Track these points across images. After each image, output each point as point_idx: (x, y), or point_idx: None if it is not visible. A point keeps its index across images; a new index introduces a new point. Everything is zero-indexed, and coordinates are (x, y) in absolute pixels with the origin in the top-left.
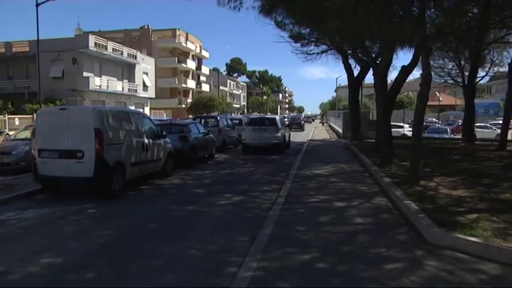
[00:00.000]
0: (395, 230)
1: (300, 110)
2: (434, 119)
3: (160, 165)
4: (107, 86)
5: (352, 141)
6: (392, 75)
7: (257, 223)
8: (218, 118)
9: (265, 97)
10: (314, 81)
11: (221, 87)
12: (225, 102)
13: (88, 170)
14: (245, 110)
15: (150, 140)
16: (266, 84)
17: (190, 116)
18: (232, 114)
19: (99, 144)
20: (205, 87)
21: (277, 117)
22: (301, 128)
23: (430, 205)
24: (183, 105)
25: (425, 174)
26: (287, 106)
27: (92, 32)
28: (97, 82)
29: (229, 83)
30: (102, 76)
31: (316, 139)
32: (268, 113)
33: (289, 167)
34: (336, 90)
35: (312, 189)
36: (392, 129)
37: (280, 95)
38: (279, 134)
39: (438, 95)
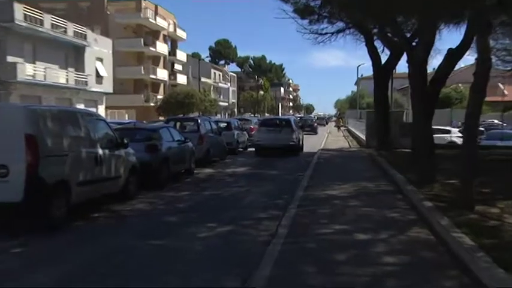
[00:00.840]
0: (441, 273)
1: (309, 109)
2: (495, 121)
3: (119, 185)
4: (44, 76)
5: (380, 151)
6: (434, 63)
7: (250, 262)
8: (199, 121)
9: (261, 92)
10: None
11: (203, 79)
12: (208, 99)
13: (14, 191)
14: (235, 110)
15: (106, 151)
16: (263, 75)
17: (162, 118)
18: (218, 116)
19: (32, 155)
20: (182, 79)
21: (292, 118)
22: (314, 131)
23: (490, 240)
24: (152, 104)
25: (483, 197)
26: (291, 104)
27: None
28: (29, 70)
29: (214, 73)
30: (37, 62)
31: (331, 148)
32: (266, 114)
33: (294, 186)
34: (356, 83)
35: (324, 217)
36: (436, 135)
37: (282, 90)
38: (294, 136)
39: (502, 87)
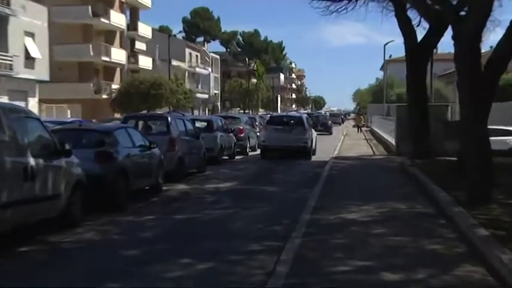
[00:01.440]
0: None
1: (318, 103)
2: None
3: (58, 206)
4: None
5: (415, 159)
6: (491, 39)
7: None
8: (169, 120)
9: (254, 80)
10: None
11: (175, 63)
12: (182, 89)
13: None
14: (218, 104)
15: (40, 161)
16: (256, 58)
17: (118, 116)
18: (196, 113)
19: None
20: (146, 62)
21: (304, 116)
22: (328, 130)
23: None
24: (105, 96)
25: None
26: (294, 96)
27: None
28: None
29: (190, 54)
30: None
31: (348, 155)
32: (261, 110)
33: (298, 207)
34: (383, 67)
35: (339, 249)
36: (494, 138)
37: (282, 77)
38: (307, 136)
39: None
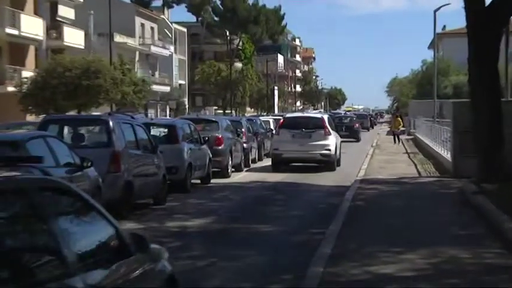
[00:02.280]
0: None
1: (335, 98)
2: None
3: None
4: None
5: (482, 183)
6: None
7: None
8: (111, 125)
9: (238, 65)
10: (370, 19)
11: (120, 38)
12: (130, 78)
13: None
14: (185, 100)
15: None
16: (242, 31)
17: (31, 119)
18: (151, 113)
19: None
20: (75, 38)
21: (326, 117)
22: (354, 135)
23: None
24: (11, 88)
25: None
26: (299, 89)
27: None
28: None
29: (142, 25)
30: None
31: (379, 178)
32: (249, 110)
33: (306, 254)
34: (432, 45)
35: None
36: None
37: (281, 59)
38: (330, 142)
39: None
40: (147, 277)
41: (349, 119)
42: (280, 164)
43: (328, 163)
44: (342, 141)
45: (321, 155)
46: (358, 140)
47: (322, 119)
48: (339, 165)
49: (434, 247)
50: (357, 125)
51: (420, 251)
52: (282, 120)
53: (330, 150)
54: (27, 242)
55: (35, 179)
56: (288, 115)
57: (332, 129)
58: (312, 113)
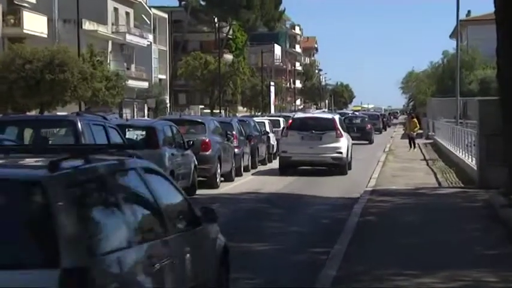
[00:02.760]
0: None
1: (340, 96)
2: None
3: None
4: None
5: None
6: None
7: None
8: (79, 126)
9: (228, 56)
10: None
11: (90, 25)
12: (101, 72)
13: None
14: (166, 98)
15: None
16: (232, 17)
17: None
18: (126, 114)
19: None
20: (36, 24)
21: (337, 118)
22: (366, 137)
23: None
24: None
25: None
26: (299, 85)
27: None
28: None
29: (116, 10)
30: None
31: (392, 188)
32: (241, 109)
33: (308, 277)
34: (455, 33)
35: None
36: None
37: (278, 50)
38: (341, 145)
39: None
40: (212, 242)
41: (360, 119)
42: (288, 167)
43: (340, 166)
44: (353, 144)
45: (332, 158)
46: (370, 142)
47: (333, 119)
48: (350, 168)
49: (456, 270)
50: (370, 126)
51: (439, 274)
52: (290, 121)
53: (341, 153)
54: (147, 204)
55: (142, 162)
56: (297, 115)
57: (343, 130)
58: (321, 113)
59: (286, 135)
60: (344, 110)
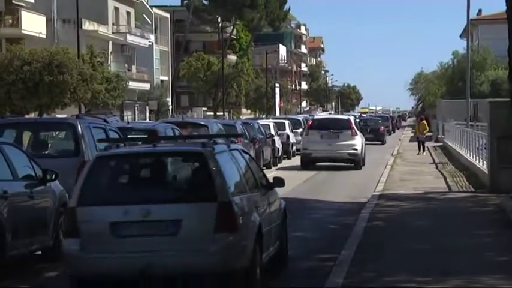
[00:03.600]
0: None
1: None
2: None
3: None
4: None
5: None
6: None
7: None
8: (79, 129)
9: (232, 57)
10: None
11: (90, 26)
12: (102, 73)
13: None
14: (169, 101)
15: None
16: (236, 16)
17: None
18: (127, 116)
19: None
20: (35, 25)
21: (352, 118)
22: (380, 139)
23: None
24: None
25: None
26: (305, 86)
27: None
28: None
29: (116, 10)
30: None
31: (400, 193)
32: (245, 111)
33: (314, 284)
34: (465, 33)
35: None
36: None
37: (283, 50)
38: (356, 142)
39: None
40: (279, 201)
41: (373, 122)
42: (309, 163)
43: (355, 162)
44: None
45: (348, 154)
46: (383, 143)
47: (349, 120)
48: (364, 164)
49: (468, 276)
50: (383, 128)
51: (451, 281)
52: (310, 122)
53: (356, 149)
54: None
55: (239, 146)
56: (316, 116)
57: (358, 129)
58: (338, 115)
59: (307, 134)
60: (351, 113)
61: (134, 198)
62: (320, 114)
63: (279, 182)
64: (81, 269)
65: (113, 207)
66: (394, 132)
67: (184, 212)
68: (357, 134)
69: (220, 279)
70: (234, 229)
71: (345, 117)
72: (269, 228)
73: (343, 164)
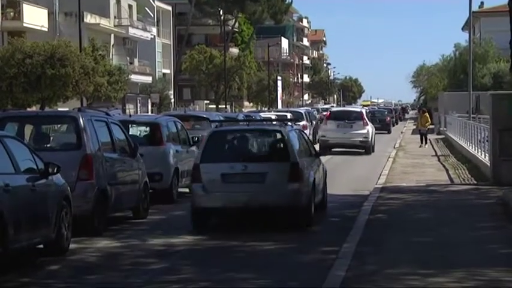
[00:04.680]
0: None
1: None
2: None
3: None
4: None
5: None
6: None
7: None
8: (81, 122)
9: (235, 50)
10: None
11: (91, 19)
12: (104, 67)
13: None
14: (171, 94)
15: None
16: (238, 10)
17: None
18: (129, 109)
19: None
20: (36, 18)
21: (364, 110)
22: (386, 128)
23: None
24: None
25: None
26: (307, 79)
27: None
28: None
29: (118, 3)
30: None
31: (402, 185)
32: (247, 104)
33: (316, 277)
34: (467, 26)
35: None
36: None
37: (285, 43)
38: (367, 131)
39: None
40: (323, 166)
41: (380, 113)
42: (326, 148)
43: (365, 148)
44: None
45: (360, 141)
46: (389, 132)
47: (361, 112)
48: (373, 150)
49: (471, 269)
50: (389, 118)
51: (453, 274)
52: (328, 113)
53: (367, 137)
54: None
55: (298, 127)
56: (334, 109)
57: (369, 120)
58: (352, 107)
59: (325, 124)
60: (353, 105)
61: (237, 158)
62: (335, 108)
63: (320, 153)
64: (202, 202)
65: (223, 164)
66: (397, 123)
67: (268, 168)
68: (368, 124)
69: (290, 211)
70: (300, 180)
71: (358, 109)
72: (318, 182)
73: (355, 150)
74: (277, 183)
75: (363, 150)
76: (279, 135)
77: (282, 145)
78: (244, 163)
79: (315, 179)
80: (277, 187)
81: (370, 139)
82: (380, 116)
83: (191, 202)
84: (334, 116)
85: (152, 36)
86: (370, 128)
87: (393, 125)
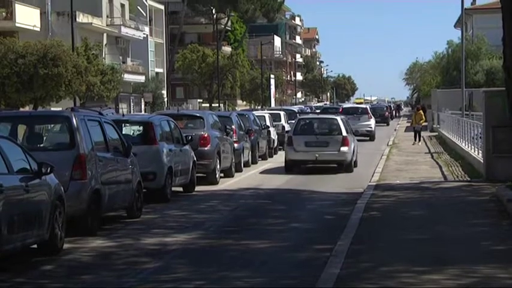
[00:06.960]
0: None
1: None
2: None
3: None
4: None
5: None
6: None
7: None
8: (74, 122)
9: (227, 49)
10: None
11: (84, 18)
12: (97, 65)
13: None
14: (164, 93)
15: None
16: (231, 8)
17: None
18: (123, 108)
19: None
20: (29, 18)
21: (368, 107)
22: (385, 121)
23: None
24: None
25: None
26: (300, 77)
27: None
28: None
29: (110, 2)
30: None
31: (396, 183)
32: (240, 103)
33: (310, 275)
34: (459, 23)
35: None
36: None
37: (278, 41)
38: (371, 123)
39: None
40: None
41: (380, 109)
42: None
43: (370, 136)
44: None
45: (366, 131)
46: (387, 124)
47: (367, 108)
48: (373, 140)
49: (465, 265)
50: (387, 113)
51: (447, 270)
52: (341, 109)
53: (371, 127)
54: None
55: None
56: (345, 106)
57: (372, 113)
58: (359, 104)
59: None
60: (346, 103)
61: (312, 132)
62: (345, 105)
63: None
64: (292, 156)
65: (305, 136)
66: (392, 119)
67: (330, 139)
68: (372, 118)
69: (344, 165)
70: (348, 145)
71: (364, 106)
72: (355, 148)
73: (362, 137)
74: (335, 147)
75: (368, 138)
76: (335, 120)
77: (336, 125)
78: (317, 135)
79: (354, 146)
80: (335, 150)
81: (373, 129)
82: (380, 111)
83: (285, 157)
84: (346, 111)
85: (145, 35)
86: (373, 120)
87: (385, 125)
